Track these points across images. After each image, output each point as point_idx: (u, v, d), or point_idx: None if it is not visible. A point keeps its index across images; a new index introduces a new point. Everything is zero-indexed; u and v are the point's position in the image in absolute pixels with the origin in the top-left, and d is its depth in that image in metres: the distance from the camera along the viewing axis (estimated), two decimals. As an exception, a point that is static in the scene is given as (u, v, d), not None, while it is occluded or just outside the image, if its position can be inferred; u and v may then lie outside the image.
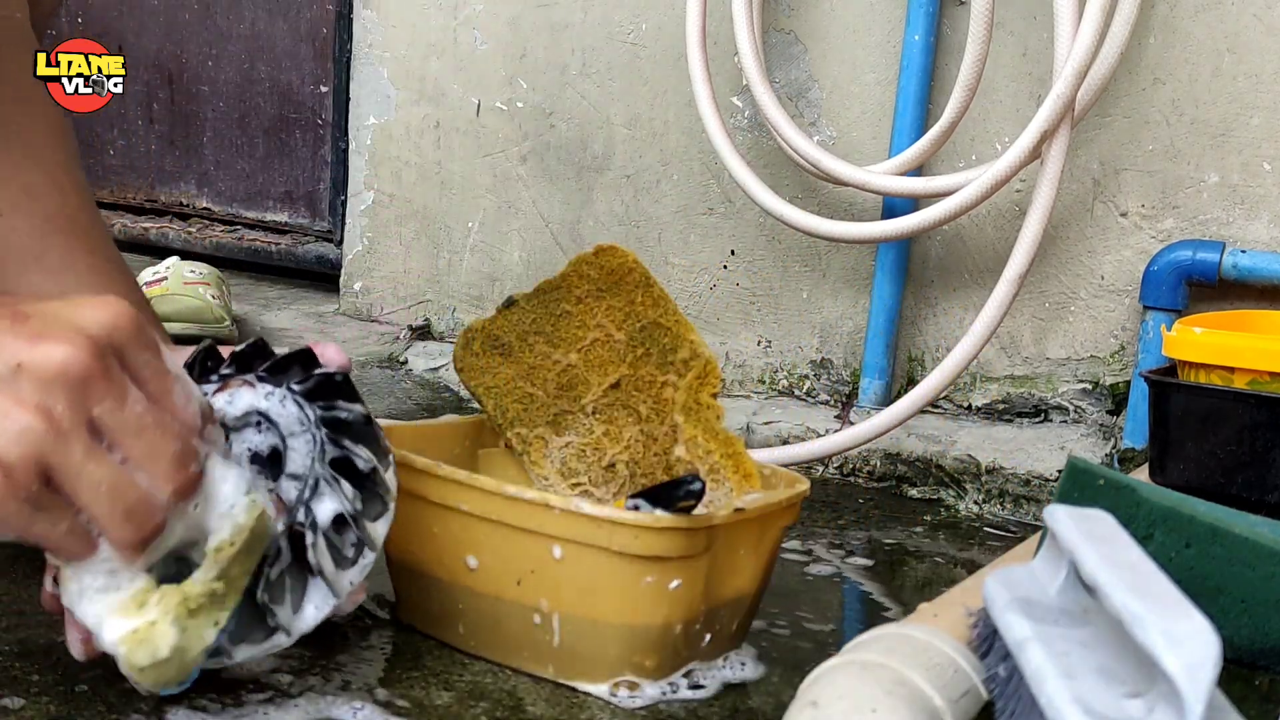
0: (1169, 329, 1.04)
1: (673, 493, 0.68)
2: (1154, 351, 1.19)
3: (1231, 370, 0.98)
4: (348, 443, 0.64)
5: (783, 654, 0.78)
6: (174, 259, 1.57)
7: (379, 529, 0.64)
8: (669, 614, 0.69)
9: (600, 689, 0.70)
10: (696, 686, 0.71)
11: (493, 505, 0.70)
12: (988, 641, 0.61)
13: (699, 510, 0.69)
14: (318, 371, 0.64)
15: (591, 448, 0.84)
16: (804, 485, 0.77)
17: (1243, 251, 1.19)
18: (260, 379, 0.63)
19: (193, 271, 1.53)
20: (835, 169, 1.25)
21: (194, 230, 2.01)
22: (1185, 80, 1.23)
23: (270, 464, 0.63)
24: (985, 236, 1.33)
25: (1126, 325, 1.28)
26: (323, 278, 1.89)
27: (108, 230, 0.83)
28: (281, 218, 1.97)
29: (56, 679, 0.64)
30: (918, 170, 1.29)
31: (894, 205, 1.32)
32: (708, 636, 0.73)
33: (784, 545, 0.91)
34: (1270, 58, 1.20)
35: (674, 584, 0.68)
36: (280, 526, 0.61)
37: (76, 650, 0.60)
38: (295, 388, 0.63)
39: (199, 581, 0.57)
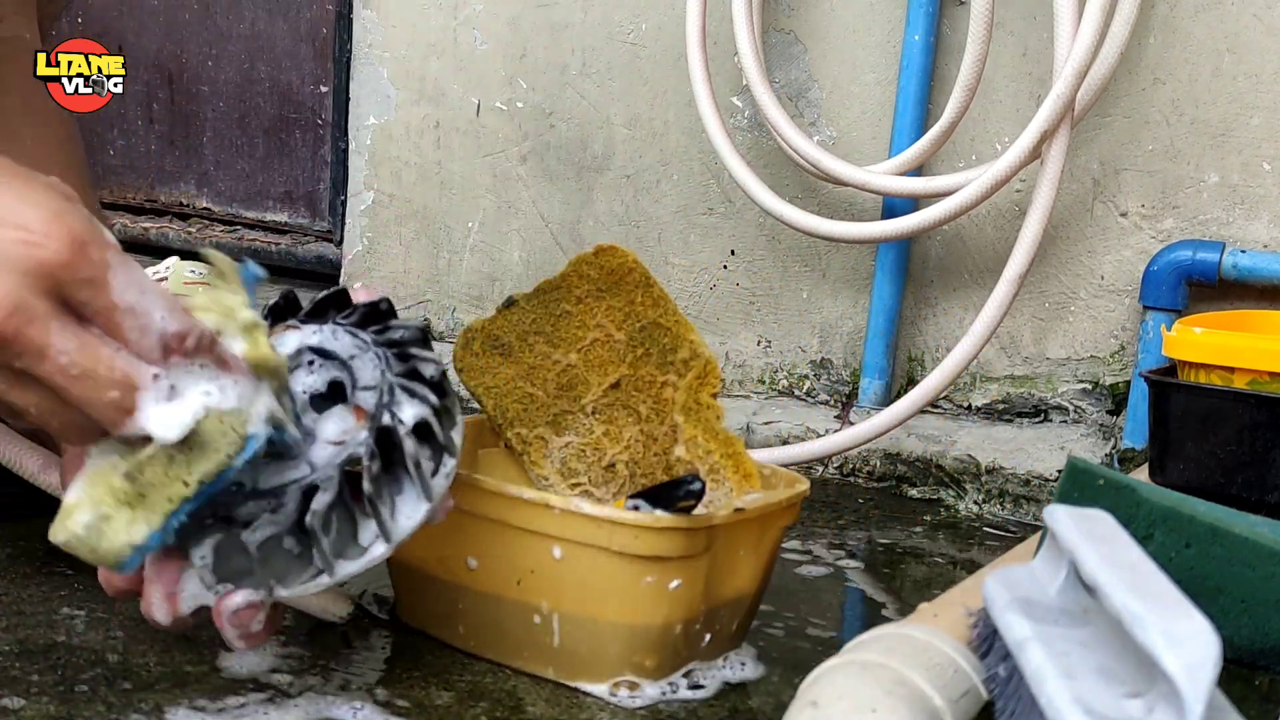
0: (1169, 329, 1.04)
1: (673, 493, 0.68)
2: (1154, 351, 1.19)
3: (1231, 370, 0.97)
4: (414, 351, 0.64)
5: (783, 654, 0.78)
6: (174, 259, 1.57)
7: (456, 437, 0.65)
8: (669, 614, 0.69)
9: (600, 689, 0.70)
10: (696, 686, 0.71)
11: (493, 505, 0.70)
12: (988, 641, 0.61)
13: (699, 510, 0.69)
14: (361, 302, 0.64)
15: (591, 448, 0.84)
16: (804, 485, 0.77)
17: (1242, 251, 1.19)
18: (304, 321, 0.64)
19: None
20: (835, 169, 1.25)
21: (194, 230, 2.01)
22: (1185, 80, 1.23)
23: (332, 398, 0.63)
24: (985, 236, 1.33)
25: (1126, 325, 1.28)
26: (323, 278, 1.89)
27: (104, 216, 0.83)
28: (281, 218, 1.97)
29: (56, 679, 0.64)
30: (918, 170, 1.29)
31: (894, 205, 1.32)
32: (708, 636, 0.73)
33: (784, 545, 0.91)
34: (1270, 58, 1.20)
35: (674, 584, 0.68)
36: (363, 434, 0.60)
37: (161, 614, 0.60)
38: (341, 322, 0.64)
39: (117, 472, 0.56)
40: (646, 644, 0.69)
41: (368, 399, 0.62)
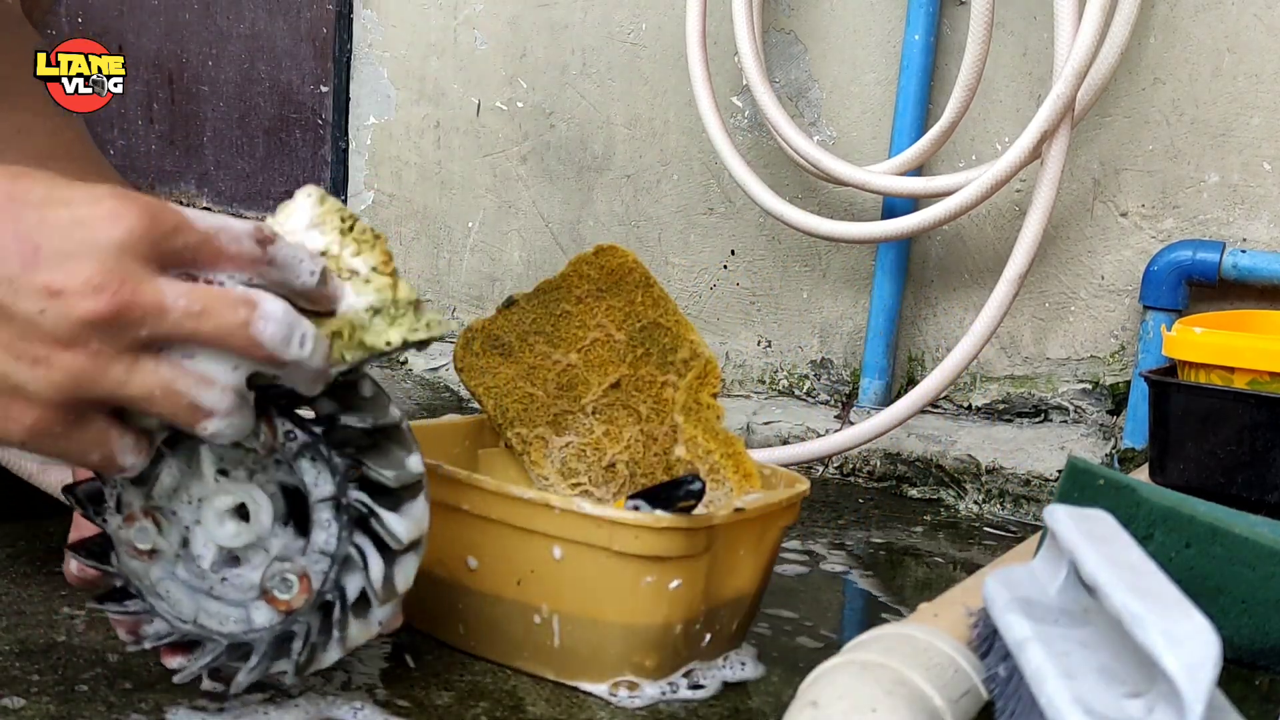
0: (1169, 329, 1.04)
1: (673, 493, 0.68)
2: (1154, 351, 1.19)
3: (1231, 370, 0.97)
4: (377, 517, 0.60)
5: (783, 654, 0.78)
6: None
7: (403, 577, 0.62)
8: (669, 614, 0.69)
9: (600, 689, 0.70)
10: (696, 686, 0.71)
11: (493, 505, 0.70)
12: (988, 641, 0.61)
13: (699, 510, 0.69)
14: (344, 422, 0.59)
15: (591, 448, 0.84)
16: (804, 485, 0.77)
17: (1243, 251, 1.19)
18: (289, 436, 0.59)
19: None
20: (835, 169, 1.25)
21: (194, 230, 2.01)
22: (1185, 80, 1.23)
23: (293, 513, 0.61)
24: (985, 236, 1.33)
25: (1126, 325, 1.28)
26: (323, 278, 1.89)
27: (109, 164, 0.81)
28: (281, 218, 1.97)
29: (56, 679, 0.64)
30: (918, 170, 1.29)
31: (894, 205, 1.32)
32: (708, 636, 0.73)
33: (784, 545, 0.91)
34: (1270, 57, 1.20)
35: (674, 584, 0.68)
36: (304, 611, 0.60)
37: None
38: (324, 450, 0.59)
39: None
40: (646, 644, 0.69)
41: (317, 568, 0.59)
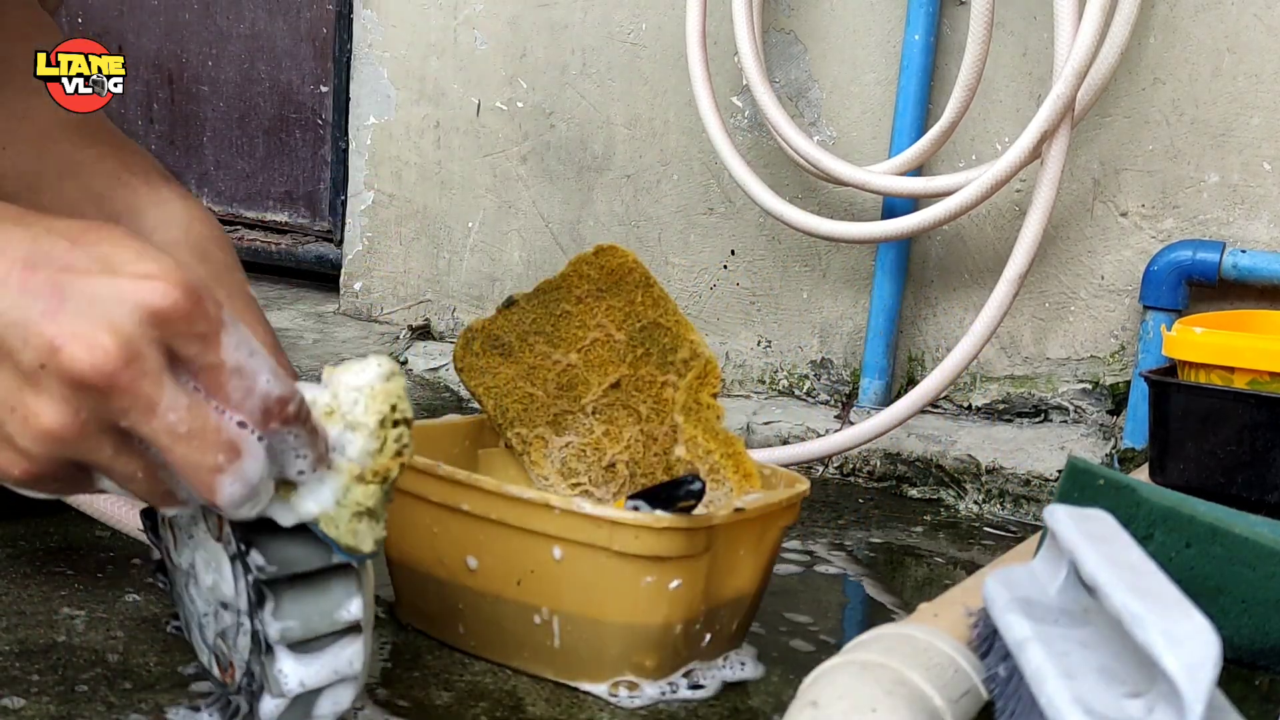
0: (1169, 329, 1.04)
1: (672, 493, 0.68)
2: (1154, 351, 1.19)
3: (1231, 370, 0.97)
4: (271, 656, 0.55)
5: (783, 654, 0.78)
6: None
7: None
8: (669, 614, 0.69)
9: (600, 689, 0.70)
10: (696, 686, 0.71)
11: (493, 505, 0.70)
12: (988, 641, 0.61)
13: (699, 510, 0.69)
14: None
15: (591, 448, 0.84)
16: (804, 485, 0.77)
17: (1243, 251, 1.19)
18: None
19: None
20: (835, 169, 1.25)
21: (194, 230, 2.01)
22: (1185, 80, 1.23)
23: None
24: (985, 236, 1.33)
25: (1126, 325, 1.28)
26: (323, 278, 1.89)
27: (117, 129, 0.78)
28: (281, 218, 1.97)
29: (56, 679, 0.64)
30: (918, 170, 1.29)
31: (894, 205, 1.32)
32: (708, 636, 0.73)
33: (784, 545, 0.91)
34: (1270, 57, 1.20)
35: (674, 584, 0.68)
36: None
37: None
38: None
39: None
40: (646, 644, 0.69)
41: (240, 662, 0.57)
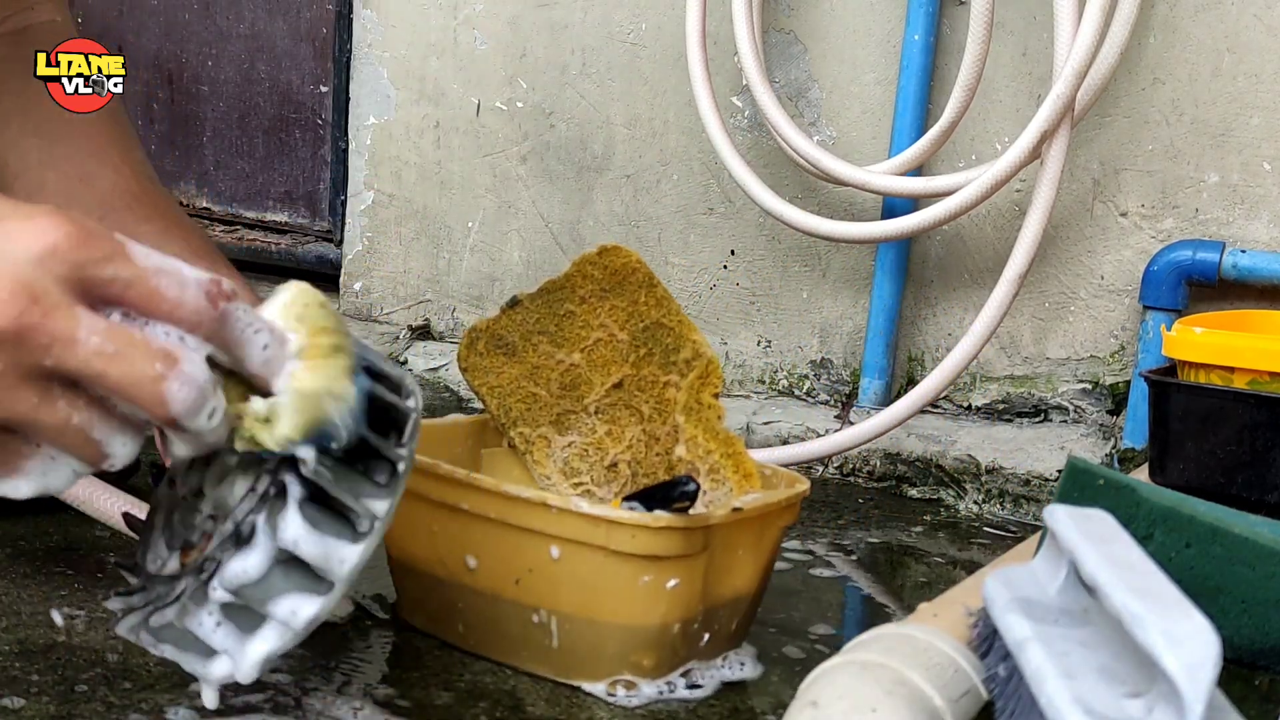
0: (1169, 329, 1.04)
1: (668, 493, 0.68)
2: (1154, 351, 1.19)
3: (1231, 370, 0.98)
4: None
5: (783, 654, 0.79)
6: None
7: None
8: (666, 613, 0.69)
9: (598, 688, 0.70)
10: (694, 686, 0.71)
11: (491, 504, 0.70)
12: (988, 641, 0.61)
13: (698, 509, 0.69)
14: None
15: (594, 447, 0.84)
16: (803, 485, 0.77)
17: (1242, 251, 1.19)
18: None
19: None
20: (835, 169, 1.24)
21: (194, 230, 2.01)
22: (1185, 80, 1.23)
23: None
24: (985, 236, 1.33)
25: (1126, 325, 1.28)
26: (323, 278, 1.89)
27: (174, 201, 0.79)
28: (281, 218, 1.97)
29: (56, 679, 0.64)
30: (917, 170, 1.29)
31: (894, 205, 1.32)
32: (706, 636, 0.73)
33: (784, 545, 0.91)
34: (1270, 57, 1.20)
35: (671, 583, 0.68)
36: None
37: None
38: None
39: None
40: (644, 643, 0.69)
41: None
